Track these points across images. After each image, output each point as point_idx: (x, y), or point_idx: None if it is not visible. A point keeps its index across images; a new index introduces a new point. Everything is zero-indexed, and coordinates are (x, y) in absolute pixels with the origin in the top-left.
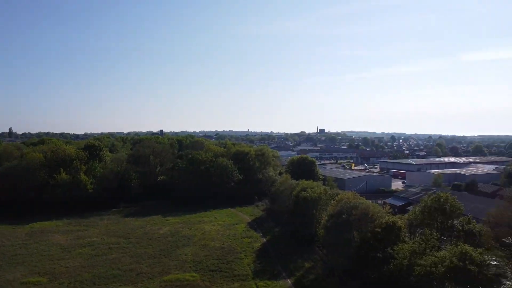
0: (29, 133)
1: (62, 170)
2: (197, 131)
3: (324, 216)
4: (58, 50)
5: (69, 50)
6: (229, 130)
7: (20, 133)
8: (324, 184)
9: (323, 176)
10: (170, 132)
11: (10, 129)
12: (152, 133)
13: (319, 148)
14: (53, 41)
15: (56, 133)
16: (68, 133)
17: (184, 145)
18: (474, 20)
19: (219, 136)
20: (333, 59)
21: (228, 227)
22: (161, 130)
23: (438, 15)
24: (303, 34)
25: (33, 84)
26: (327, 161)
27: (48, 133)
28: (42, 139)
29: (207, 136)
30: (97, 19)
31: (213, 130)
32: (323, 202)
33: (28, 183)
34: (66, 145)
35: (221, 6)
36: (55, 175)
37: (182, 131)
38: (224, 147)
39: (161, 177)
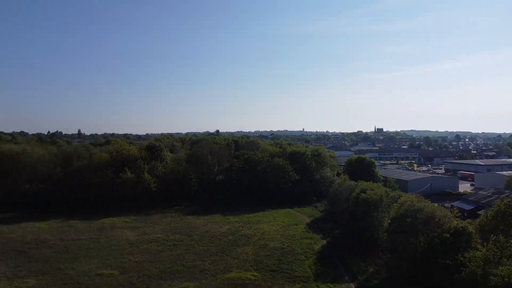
0: (96, 134)
1: (127, 169)
2: (252, 131)
3: (386, 219)
4: (120, 54)
5: (130, 55)
6: (284, 130)
7: (88, 134)
8: (384, 185)
9: (383, 177)
10: (226, 132)
11: (79, 131)
12: (209, 133)
13: (377, 148)
14: (114, 45)
15: (120, 134)
16: (131, 134)
17: (240, 145)
18: None
19: (274, 136)
20: (382, 55)
21: (287, 227)
22: (217, 131)
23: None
24: (346, 32)
25: (98, 88)
26: (387, 162)
27: (113, 134)
28: (107, 140)
29: (262, 136)
30: (156, 23)
31: (268, 130)
32: (384, 204)
33: (97, 182)
34: (130, 146)
35: (260, 7)
36: (121, 174)
37: (237, 131)
38: (280, 147)
39: (219, 177)
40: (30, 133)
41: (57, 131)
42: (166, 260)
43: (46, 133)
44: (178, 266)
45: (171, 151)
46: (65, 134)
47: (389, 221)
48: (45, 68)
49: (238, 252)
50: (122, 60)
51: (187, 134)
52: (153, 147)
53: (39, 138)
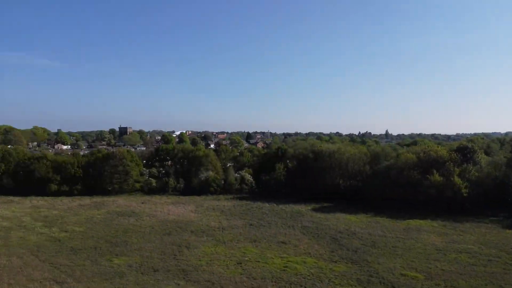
0: (403, 134)
1: (435, 171)
2: None
3: None
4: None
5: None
6: None
7: (395, 134)
8: None
9: None
10: None
11: (386, 131)
12: None
13: None
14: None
15: (427, 134)
16: (440, 134)
17: None
18: None
19: None
20: None
21: None
22: None
23: None
24: None
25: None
26: None
27: (419, 134)
28: (414, 140)
29: None
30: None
31: None
32: None
33: (403, 182)
34: (438, 147)
35: None
36: (428, 175)
37: None
38: None
39: None
40: (343, 133)
41: (366, 131)
42: (478, 275)
43: (357, 134)
44: (495, 286)
45: (486, 153)
46: (374, 135)
47: None
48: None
49: None
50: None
51: (506, 134)
52: (465, 148)
53: (351, 138)
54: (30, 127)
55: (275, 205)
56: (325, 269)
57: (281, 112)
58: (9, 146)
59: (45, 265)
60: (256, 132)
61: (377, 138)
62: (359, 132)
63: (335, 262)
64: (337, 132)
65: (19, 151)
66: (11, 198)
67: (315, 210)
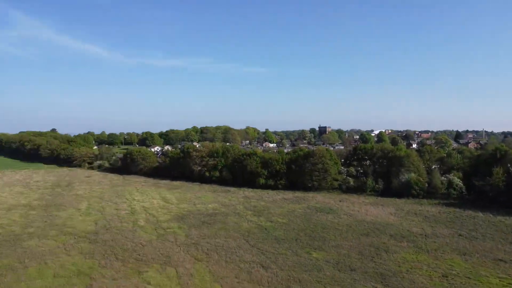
0: None
1: None
2: None
3: None
4: None
5: None
6: None
7: None
8: None
9: None
10: None
11: None
12: None
13: None
14: None
15: None
16: None
17: None
18: None
19: None
20: None
21: None
22: None
23: None
24: None
25: None
26: None
27: None
28: None
29: None
30: None
31: None
32: None
33: None
34: None
35: None
36: None
37: None
38: None
39: None
40: None
41: None
42: None
43: None
44: None
45: None
46: None
47: None
48: None
49: None
50: None
51: None
52: None
53: None
54: (243, 127)
55: (491, 215)
56: None
57: (499, 106)
58: (227, 144)
59: (253, 249)
60: (467, 131)
61: None
62: None
63: None
64: None
65: (235, 148)
66: (228, 188)
67: None
